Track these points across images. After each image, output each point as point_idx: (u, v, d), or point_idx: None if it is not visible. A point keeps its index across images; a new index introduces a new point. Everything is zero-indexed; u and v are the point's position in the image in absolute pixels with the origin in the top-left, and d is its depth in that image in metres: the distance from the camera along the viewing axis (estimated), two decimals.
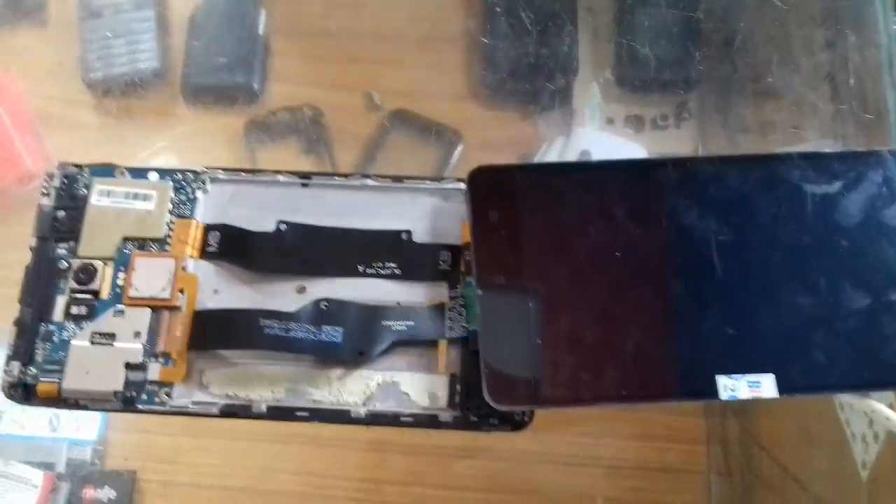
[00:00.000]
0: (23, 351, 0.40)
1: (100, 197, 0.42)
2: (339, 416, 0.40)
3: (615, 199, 0.42)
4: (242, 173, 0.44)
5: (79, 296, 0.41)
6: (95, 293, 0.41)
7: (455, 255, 0.43)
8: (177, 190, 0.43)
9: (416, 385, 0.41)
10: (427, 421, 0.40)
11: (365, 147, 0.67)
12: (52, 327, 0.41)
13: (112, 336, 0.40)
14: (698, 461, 0.63)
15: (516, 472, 0.62)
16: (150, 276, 0.41)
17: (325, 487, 0.62)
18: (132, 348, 0.40)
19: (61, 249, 0.42)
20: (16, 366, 0.40)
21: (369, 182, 0.44)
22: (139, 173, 0.43)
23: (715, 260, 0.40)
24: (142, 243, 0.42)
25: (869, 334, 0.40)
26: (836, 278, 0.40)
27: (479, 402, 0.39)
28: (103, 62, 0.68)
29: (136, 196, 0.43)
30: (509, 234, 0.41)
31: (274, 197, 0.44)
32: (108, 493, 0.62)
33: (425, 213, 0.44)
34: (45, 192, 0.43)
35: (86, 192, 0.43)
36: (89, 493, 0.62)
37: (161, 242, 0.42)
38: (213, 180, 0.44)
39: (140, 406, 0.40)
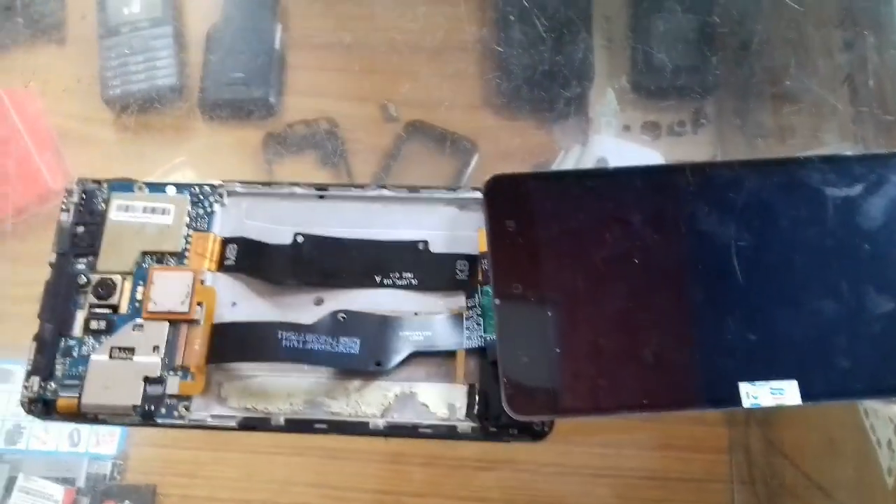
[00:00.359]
0: (42, 366, 0.40)
1: (118, 212, 0.43)
2: (358, 428, 0.40)
3: (633, 205, 0.41)
4: (259, 186, 0.44)
5: (98, 310, 0.41)
6: (114, 308, 0.41)
7: (472, 264, 0.43)
8: (194, 204, 0.43)
9: (434, 396, 0.41)
10: (446, 432, 0.40)
11: (381, 158, 0.67)
12: (71, 342, 0.41)
13: (131, 350, 0.40)
14: (721, 470, 0.62)
15: (536, 484, 0.61)
16: (168, 289, 0.41)
17: (343, 500, 0.62)
18: (151, 362, 0.40)
19: (80, 265, 0.42)
20: (35, 381, 0.40)
21: (385, 192, 0.44)
22: (157, 188, 0.44)
23: (735, 265, 0.40)
24: (160, 257, 0.42)
25: (893, 339, 0.39)
26: (858, 282, 0.40)
27: (498, 413, 0.39)
28: (122, 79, 0.68)
29: (153, 210, 0.43)
30: (526, 243, 0.41)
31: (291, 209, 0.44)
32: None
33: (442, 223, 0.44)
34: (64, 207, 0.43)
35: (104, 207, 0.43)
36: None
37: (179, 256, 0.42)
38: (231, 193, 0.44)
39: (159, 420, 0.40)
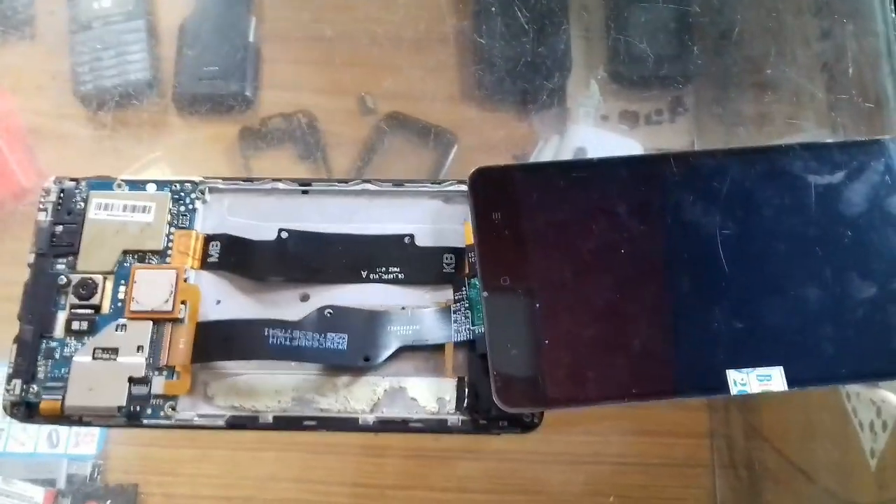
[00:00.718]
0: (24, 369, 0.40)
1: (97, 210, 0.42)
2: (347, 424, 0.40)
3: (617, 195, 0.42)
4: (241, 182, 0.44)
5: (79, 311, 0.41)
6: (96, 308, 0.41)
7: (458, 257, 0.42)
8: (175, 201, 0.43)
9: (423, 390, 0.40)
10: (436, 426, 0.40)
11: (360, 151, 0.67)
12: (53, 344, 0.40)
13: (114, 351, 0.40)
14: (702, 455, 0.62)
15: (521, 472, 0.61)
16: (151, 288, 0.41)
17: (327, 494, 0.62)
18: (135, 362, 0.40)
19: (60, 265, 0.41)
20: (17, 384, 0.40)
21: (370, 187, 0.44)
22: (137, 185, 0.43)
23: (720, 254, 0.40)
24: (142, 256, 0.42)
25: (876, 324, 0.40)
26: (841, 268, 0.40)
27: (487, 405, 0.39)
28: (94, 74, 0.67)
29: (134, 208, 0.42)
30: (512, 235, 0.41)
31: (274, 205, 0.44)
32: None
33: (427, 216, 0.44)
34: (41, 207, 0.42)
35: (83, 205, 0.42)
36: None
37: (161, 254, 0.42)
38: (212, 190, 0.44)
39: (145, 421, 0.39)
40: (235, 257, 0.42)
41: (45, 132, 0.68)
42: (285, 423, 0.40)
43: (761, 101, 0.64)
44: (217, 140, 0.68)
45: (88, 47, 0.67)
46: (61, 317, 0.41)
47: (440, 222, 0.43)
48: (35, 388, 0.40)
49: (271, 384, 0.40)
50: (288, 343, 0.39)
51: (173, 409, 0.40)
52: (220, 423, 0.40)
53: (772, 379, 0.38)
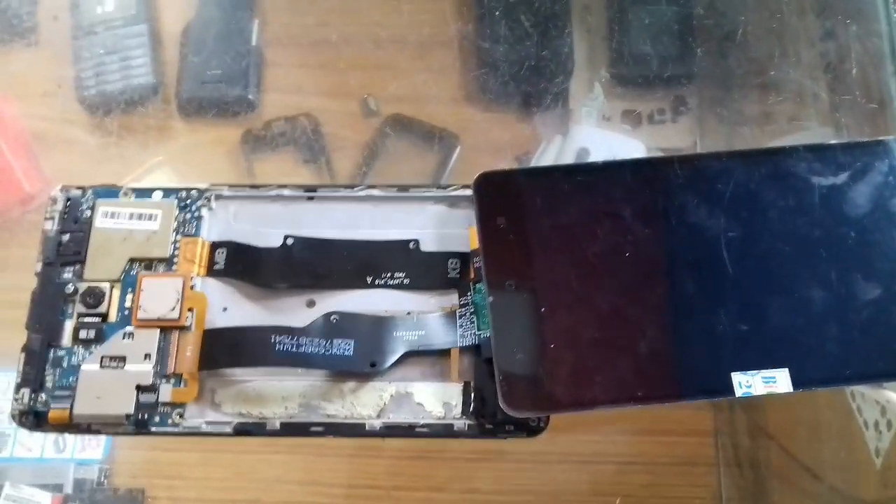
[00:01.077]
0: (32, 377, 0.40)
1: (104, 219, 0.42)
2: (354, 430, 0.40)
3: (622, 199, 0.42)
4: (247, 188, 0.44)
5: (87, 319, 0.41)
6: (103, 316, 0.41)
7: (464, 261, 0.43)
8: (181, 208, 0.43)
9: (429, 395, 0.41)
10: (442, 430, 0.40)
11: (363, 153, 0.67)
12: (61, 352, 0.40)
13: (122, 359, 0.40)
14: (707, 453, 0.62)
15: (525, 473, 0.61)
16: (157, 296, 0.41)
17: (333, 496, 0.62)
18: (143, 370, 0.40)
19: (67, 273, 0.42)
20: (26, 393, 0.40)
21: (375, 192, 0.44)
22: (143, 193, 0.43)
23: (724, 256, 0.40)
24: (148, 264, 0.42)
25: (881, 324, 0.40)
26: (846, 270, 0.40)
27: (493, 410, 0.39)
28: (98, 79, 0.67)
29: (140, 216, 0.42)
30: (518, 239, 0.41)
31: (279, 211, 0.44)
32: None
33: (432, 221, 0.44)
34: (48, 216, 0.42)
35: (90, 214, 0.42)
36: None
37: (168, 262, 0.42)
38: (218, 197, 0.44)
39: (153, 428, 0.40)
40: (241, 264, 0.42)
41: (50, 138, 0.68)
42: (292, 429, 0.40)
43: (764, 101, 0.64)
44: (221, 144, 0.68)
45: (92, 52, 0.68)
46: (69, 325, 0.41)
47: (445, 227, 0.43)
48: (43, 396, 0.40)
49: (278, 391, 0.40)
50: (294, 350, 0.39)
51: (181, 416, 0.40)
52: (228, 429, 0.40)
53: (777, 381, 0.38)
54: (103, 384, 0.39)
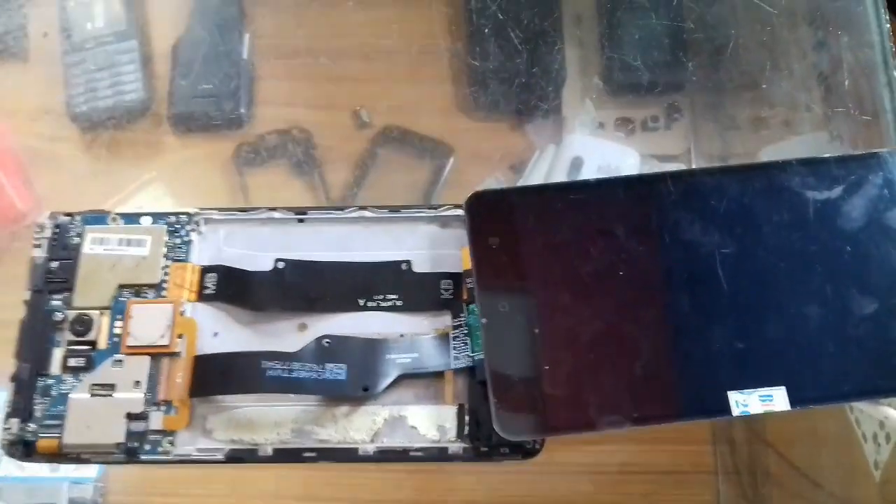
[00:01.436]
0: (21, 407, 0.39)
1: (93, 245, 0.42)
2: (347, 455, 0.40)
3: (615, 216, 0.41)
4: (237, 212, 0.44)
5: (76, 347, 0.40)
6: (93, 344, 0.41)
7: (456, 282, 0.42)
8: (171, 233, 0.43)
9: (423, 418, 0.40)
10: (437, 454, 0.40)
11: (356, 166, 0.67)
12: (50, 381, 0.40)
13: (112, 387, 0.40)
14: (706, 462, 0.62)
15: (522, 485, 0.61)
16: (147, 323, 0.40)
17: None
18: (133, 398, 0.39)
19: (56, 301, 0.41)
20: (15, 423, 0.39)
21: (366, 213, 0.43)
22: (132, 218, 0.43)
23: (719, 273, 0.40)
24: (138, 290, 0.42)
25: (878, 340, 0.39)
26: (842, 285, 0.40)
27: (488, 432, 0.39)
28: (88, 95, 0.67)
29: (129, 242, 0.42)
30: (511, 259, 0.40)
31: (270, 234, 0.43)
32: None
33: (424, 242, 0.43)
34: (36, 243, 0.42)
35: (78, 240, 0.42)
36: None
37: (157, 288, 0.42)
38: (208, 221, 0.43)
39: (143, 457, 0.39)
40: (232, 289, 0.42)
41: (41, 155, 0.68)
42: (285, 455, 0.40)
43: (757, 109, 0.63)
44: (213, 159, 0.68)
45: (82, 69, 0.67)
46: (58, 353, 0.40)
47: (437, 248, 0.43)
48: (32, 426, 0.39)
49: (270, 416, 0.40)
50: (286, 375, 0.39)
51: (172, 444, 0.39)
52: (220, 456, 0.40)
53: (774, 399, 0.38)
54: (93, 413, 0.39)
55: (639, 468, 0.62)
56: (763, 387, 0.38)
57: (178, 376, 0.40)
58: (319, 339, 0.40)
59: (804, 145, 0.61)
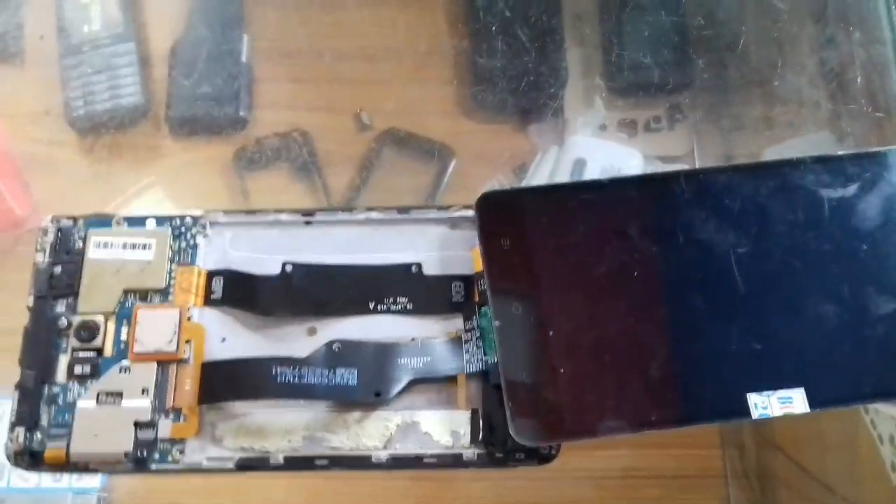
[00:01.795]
0: (27, 416, 0.39)
1: (97, 249, 0.41)
2: (360, 463, 0.39)
3: (628, 216, 0.41)
4: (243, 214, 0.43)
5: (81, 354, 0.40)
6: (99, 350, 0.40)
7: (467, 285, 0.41)
8: (176, 237, 0.42)
9: (436, 423, 0.39)
10: (451, 461, 0.39)
11: (357, 168, 0.66)
12: (55, 389, 0.39)
13: (119, 394, 0.39)
14: (715, 465, 0.62)
15: (531, 490, 0.61)
16: (154, 328, 0.39)
17: None
18: (140, 406, 0.39)
19: (60, 307, 0.40)
20: (20, 432, 0.38)
21: (374, 215, 0.43)
22: (136, 222, 0.42)
23: (735, 273, 0.39)
24: (143, 295, 0.41)
25: None
26: (859, 283, 0.39)
27: (503, 437, 0.38)
28: (86, 99, 0.66)
29: (134, 246, 0.41)
30: (523, 261, 0.40)
31: (277, 237, 0.43)
32: None
33: (434, 244, 0.43)
34: (39, 247, 0.41)
35: (82, 244, 0.41)
36: None
37: (163, 293, 0.41)
38: (213, 224, 0.43)
39: (152, 466, 0.39)
40: (239, 293, 0.41)
41: (39, 160, 0.67)
42: (296, 463, 0.39)
43: (762, 108, 0.63)
44: (213, 162, 0.67)
45: (79, 72, 0.66)
46: (63, 361, 0.40)
47: (447, 249, 0.42)
48: (39, 435, 0.38)
49: (281, 423, 0.39)
50: (297, 380, 0.38)
51: (181, 452, 0.39)
52: (230, 465, 0.39)
53: (793, 401, 0.37)
54: (100, 421, 0.38)
55: (646, 473, 0.62)
56: (782, 389, 0.37)
57: (187, 383, 0.39)
58: (329, 344, 0.40)
59: (809, 144, 0.61)
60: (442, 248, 0.42)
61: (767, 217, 0.40)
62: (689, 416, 0.38)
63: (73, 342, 0.40)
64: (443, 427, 0.39)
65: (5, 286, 0.60)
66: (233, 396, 0.39)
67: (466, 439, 0.39)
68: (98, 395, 0.39)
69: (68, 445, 0.38)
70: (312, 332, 0.41)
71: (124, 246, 0.41)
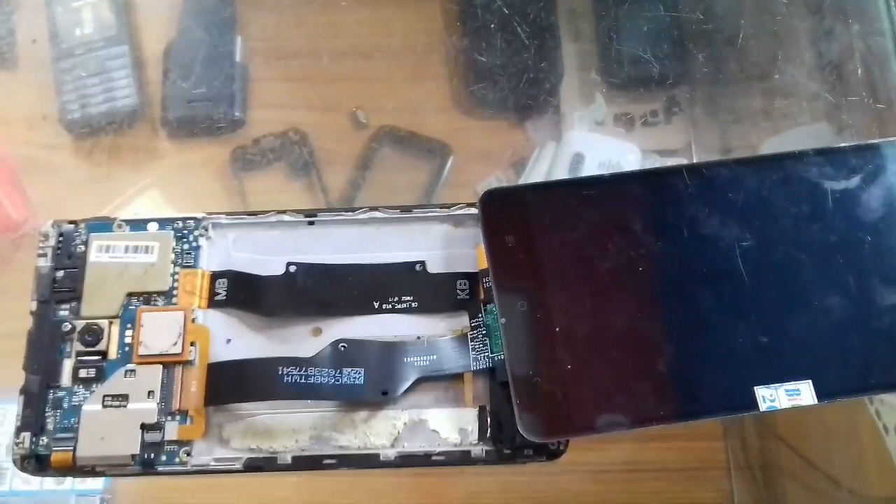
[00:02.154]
0: (33, 420, 0.38)
1: (99, 253, 0.41)
2: (368, 461, 0.39)
3: (632, 211, 0.41)
4: (245, 216, 0.43)
5: (86, 358, 0.39)
6: (103, 354, 0.39)
7: (472, 282, 0.41)
8: (178, 239, 0.42)
9: (444, 421, 0.39)
10: (459, 458, 0.39)
11: (354, 167, 0.66)
12: (60, 393, 0.39)
13: (125, 397, 0.39)
14: (718, 458, 0.62)
15: (536, 485, 0.61)
16: (158, 331, 0.39)
17: None
18: (146, 408, 0.38)
19: (63, 311, 0.40)
20: (26, 437, 0.38)
21: (377, 214, 0.43)
22: (138, 225, 0.42)
23: (739, 266, 0.39)
24: (147, 298, 0.40)
25: None
26: (864, 275, 0.40)
27: (511, 434, 0.38)
28: (81, 102, 0.66)
29: (136, 249, 0.41)
30: (527, 257, 0.40)
31: (280, 237, 0.42)
32: None
33: (437, 242, 0.43)
34: (40, 252, 0.41)
35: (84, 248, 0.41)
36: None
37: (167, 295, 0.41)
38: (216, 225, 0.42)
39: (160, 468, 0.38)
40: (243, 294, 0.41)
41: (35, 163, 0.67)
42: (305, 463, 0.39)
43: (760, 100, 0.63)
44: (209, 163, 0.67)
45: (73, 75, 0.66)
46: (67, 365, 0.39)
47: (451, 247, 0.42)
48: (45, 440, 0.38)
49: (288, 423, 0.39)
50: (303, 381, 0.38)
51: (188, 454, 0.39)
52: (238, 466, 0.39)
53: (801, 393, 0.37)
54: (106, 424, 0.38)
55: (649, 466, 0.62)
56: (789, 381, 0.38)
57: (192, 385, 0.39)
58: (335, 344, 0.39)
59: (807, 136, 0.61)
60: (446, 246, 0.42)
61: (771, 210, 0.40)
62: (698, 410, 0.38)
63: (78, 346, 0.39)
64: (450, 424, 0.39)
65: (3, 290, 0.60)
66: (239, 398, 0.39)
67: (474, 436, 0.39)
68: (104, 399, 0.39)
69: (75, 449, 0.38)
70: (317, 332, 0.41)
71: (126, 249, 0.41)
